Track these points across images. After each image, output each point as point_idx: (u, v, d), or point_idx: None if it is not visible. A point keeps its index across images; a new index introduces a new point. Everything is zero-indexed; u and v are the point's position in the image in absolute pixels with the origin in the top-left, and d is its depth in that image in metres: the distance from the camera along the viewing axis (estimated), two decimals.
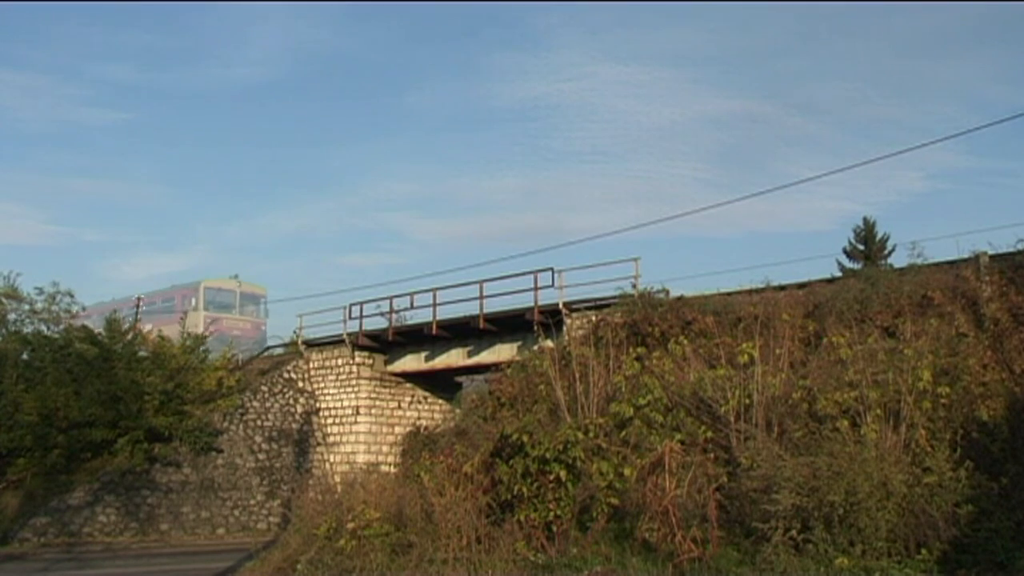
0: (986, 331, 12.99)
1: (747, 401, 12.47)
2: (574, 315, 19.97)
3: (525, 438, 11.84)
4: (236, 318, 35.76)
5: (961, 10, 78.15)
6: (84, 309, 30.63)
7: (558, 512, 11.65)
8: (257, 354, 30.00)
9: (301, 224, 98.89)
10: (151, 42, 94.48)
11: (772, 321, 14.01)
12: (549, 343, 17.70)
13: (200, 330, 29.39)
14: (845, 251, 31.31)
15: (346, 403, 26.46)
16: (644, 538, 11.14)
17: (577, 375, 14.91)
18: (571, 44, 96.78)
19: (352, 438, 26.02)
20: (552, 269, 21.68)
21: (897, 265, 16.85)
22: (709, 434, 12.61)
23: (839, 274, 20.02)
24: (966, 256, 14.45)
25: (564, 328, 19.63)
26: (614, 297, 18.82)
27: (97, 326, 27.10)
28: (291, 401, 26.86)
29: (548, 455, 11.66)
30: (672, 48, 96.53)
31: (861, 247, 30.78)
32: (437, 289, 24.64)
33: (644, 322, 16.32)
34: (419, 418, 26.87)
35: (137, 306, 35.15)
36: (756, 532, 10.58)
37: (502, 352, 22.52)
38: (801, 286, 16.57)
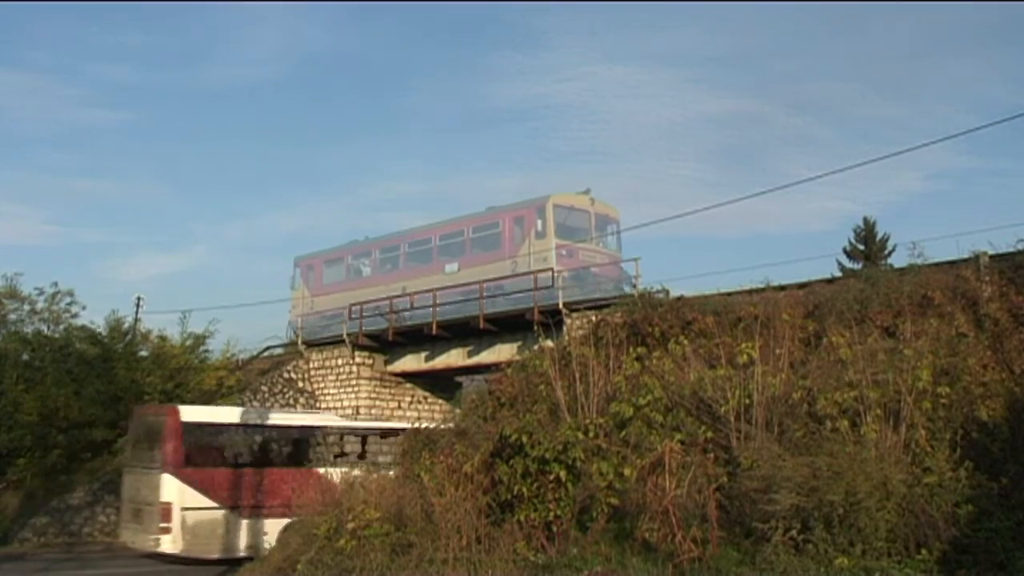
0: (986, 331, 12.99)
1: (747, 401, 12.46)
2: (574, 315, 19.99)
3: (525, 438, 11.84)
4: (594, 249, 25.34)
5: (961, 10, 78.24)
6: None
7: (558, 512, 11.65)
8: (257, 354, 29.98)
9: (301, 224, 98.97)
10: (151, 42, 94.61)
11: (772, 321, 14.01)
12: (549, 343, 17.71)
13: (551, 261, 23.67)
14: (845, 251, 31.35)
15: (346, 403, 26.47)
16: (644, 538, 11.13)
17: (577, 375, 14.91)
18: (571, 44, 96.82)
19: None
20: (552, 269, 21.73)
21: (897, 265, 16.87)
22: (709, 434, 12.61)
23: (839, 274, 20.06)
24: (966, 256, 14.45)
25: (564, 328, 19.65)
26: (614, 297, 18.83)
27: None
28: (291, 401, 26.89)
29: (548, 455, 11.66)
30: (672, 48, 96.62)
31: (861, 247, 30.81)
32: (437, 289, 24.67)
33: (644, 322, 16.31)
34: (419, 418, 26.85)
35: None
36: (756, 532, 10.58)
37: (502, 352, 22.55)
38: (801, 286, 16.57)
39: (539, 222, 24.83)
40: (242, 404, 25.61)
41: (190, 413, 17.56)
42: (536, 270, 23.22)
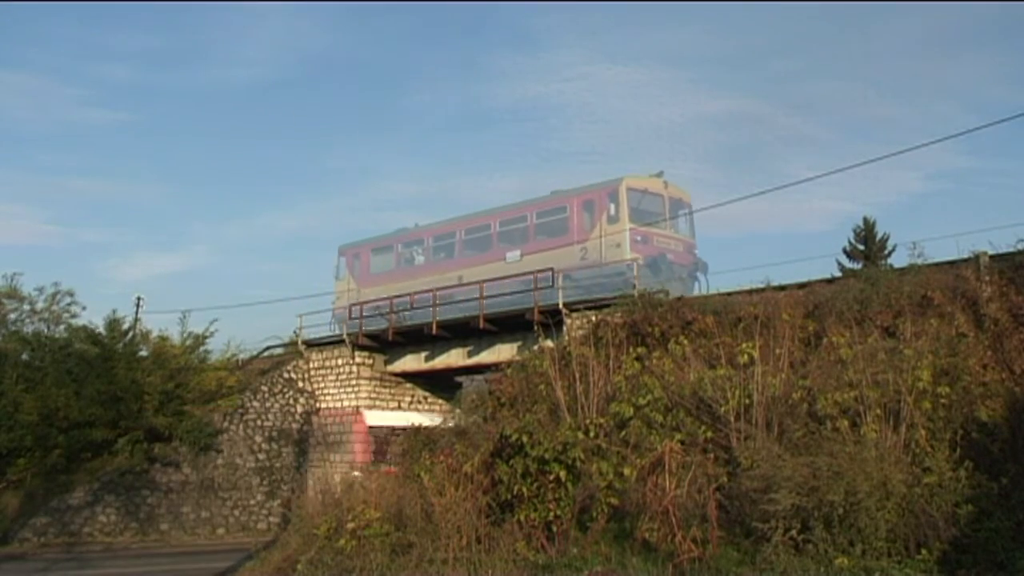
0: (986, 331, 12.99)
1: (747, 401, 12.47)
2: (574, 315, 19.98)
3: (525, 438, 11.85)
4: (668, 235, 23.68)
5: (961, 10, 78.19)
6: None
7: (558, 512, 11.66)
8: (257, 354, 29.96)
9: (301, 224, 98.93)
10: (151, 42, 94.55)
11: (772, 321, 14.01)
12: (549, 343, 17.71)
13: (625, 248, 22.30)
14: (845, 251, 31.33)
15: (346, 403, 26.46)
16: (644, 538, 11.14)
17: (577, 375, 14.92)
18: (570, 44, 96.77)
19: (352, 438, 26.02)
20: (552, 269, 21.71)
21: (897, 265, 16.83)
22: (709, 434, 12.62)
23: (839, 274, 19.99)
24: (966, 256, 14.43)
25: (564, 328, 19.64)
26: (614, 297, 18.83)
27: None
28: (291, 401, 26.87)
29: (548, 455, 11.67)
30: (671, 48, 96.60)
31: (861, 247, 30.79)
32: (437, 290, 24.66)
33: (644, 322, 16.31)
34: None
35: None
36: (756, 532, 10.58)
37: (502, 352, 22.52)
38: (801, 286, 16.57)
39: (612, 206, 23.19)
40: (242, 404, 25.65)
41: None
42: (610, 259, 22.23)
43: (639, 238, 22.59)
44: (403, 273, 28.65)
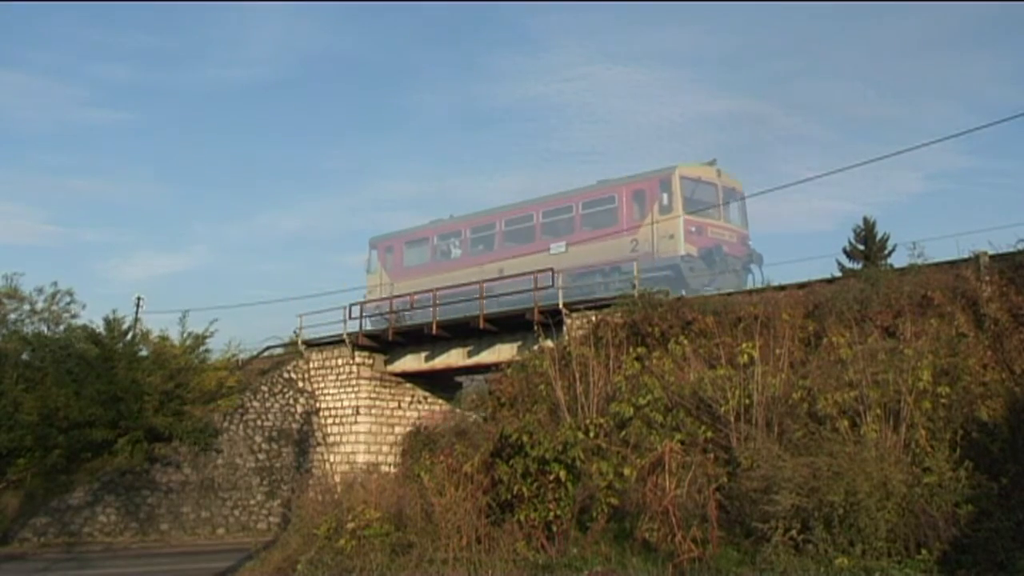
0: (986, 331, 12.99)
1: (747, 401, 12.48)
2: (574, 315, 19.97)
3: (525, 438, 11.86)
4: (722, 225, 22.81)
5: (961, 10, 78.18)
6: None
7: (558, 512, 11.66)
8: (257, 354, 29.94)
9: (301, 224, 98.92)
10: (151, 42, 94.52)
11: (772, 321, 14.02)
12: (549, 343, 17.71)
13: (679, 239, 21.58)
14: (845, 251, 31.26)
15: (346, 403, 26.45)
16: (644, 538, 11.15)
17: (577, 375, 14.93)
18: (570, 44, 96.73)
19: (352, 438, 26.02)
20: (552, 269, 21.71)
21: (897, 265, 16.84)
22: (709, 434, 12.63)
23: (839, 274, 19.94)
24: (966, 256, 14.44)
25: (564, 328, 19.64)
26: (614, 297, 18.82)
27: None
28: (291, 401, 26.86)
29: (548, 455, 11.67)
30: (672, 48, 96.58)
31: (861, 247, 30.73)
32: (437, 290, 24.66)
33: (644, 322, 16.32)
34: (419, 418, 26.86)
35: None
36: (756, 532, 10.59)
37: (502, 352, 22.51)
38: (801, 286, 16.57)
39: (664, 196, 22.34)
40: (242, 404, 25.64)
41: None
42: (663, 251, 21.54)
43: (693, 229, 21.87)
44: (439, 266, 27.78)
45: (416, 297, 25.16)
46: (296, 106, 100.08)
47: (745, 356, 13.00)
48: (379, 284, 29.46)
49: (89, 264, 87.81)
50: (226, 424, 25.09)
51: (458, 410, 23.65)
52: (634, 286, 19.01)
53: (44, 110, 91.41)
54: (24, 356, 24.84)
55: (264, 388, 26.58)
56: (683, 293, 19.63)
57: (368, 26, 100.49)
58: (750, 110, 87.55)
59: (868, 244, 28.71)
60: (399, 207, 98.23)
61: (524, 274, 22.45)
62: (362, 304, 27.15)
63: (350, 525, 12.29)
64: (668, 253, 21.88)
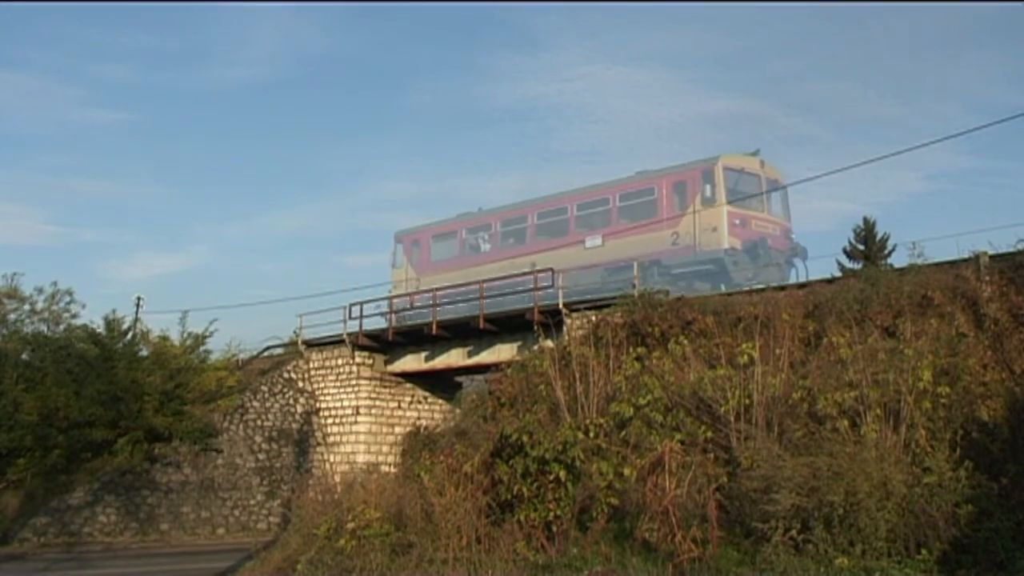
0: (986, 331, 13.00)
1: (747, 401, 12.48)
2: (574, 315, 19.97)
3: (525, 438, 11.86)
4: (765, 218, 22.00)
5: (961, 10, 78.18)
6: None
7: (558, 512, 11.66)
8: (257, 354, 29.95)
9: (301, 224, 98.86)
10: (151, 42, 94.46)
11: (772, 321, 14.02)
12: (549, 343, 17.70)
13: (722, 232, 21.04)
14: (845, 251, 31.28)
15: (346, 403, 26.45)
16: (644, 538, 11.15)
17: (577, 375, 14.93)
18: (570, 45, 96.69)
19: (352, 438, 26.02)
20: (552, 269, 21.70)
21: (897, 265, 16.84)
22: (709, 434, 12.63)
23: (839, 274, 19.94)
24: (966, 256, 14.45)
25: (564, 328, 19.63)
26: (614, 297, 18.82)
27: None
28: (291, 401, 26.86)
29: (548, 455, 11.67)
30: (671, 48, 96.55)
31: (861, 247, 30.73)
32: (437, 289, 24.64)
33: (644, 322, 16.32)
34: (419, 418, 26.87)
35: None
36: (756, 532, 10.59)
37: (502, 352, 22.51)
38: (801, 286, 16.59)
39: (707, 187, 21.67)
40: (242, 404, 25.64)
41: None
42: (706, 244, 20.90)
43: (737, 221, 21.24)
44: (468, 260, 27.13)
45: (446, 291, 24.27)
46: (296, 106, 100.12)
47: (745, 356, 13.00)
48: (405, 279, 28.81)
49: (89, 264, 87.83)
50: (226, 424, 25.09)
51: (458, 410, 23.63)
52: (634, 286, 19.00)
53: (44, 110, 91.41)
54: (24, 356, 24.85)
55: (264, 388, 26.58)
56: (722, 288, 19.22)
57: (368, 27, 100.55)
58: (750, 110, 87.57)
59: (868, 244, 28.67)
60: (399, 207, 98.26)
61: (483, 281, 22.17)
62: (389, 299, 26.43)
63: (350, 525, 12.29)
64: (711, 246, 21.33)
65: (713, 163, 21.97)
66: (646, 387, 13.69)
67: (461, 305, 24.17)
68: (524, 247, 25.80)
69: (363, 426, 26.05)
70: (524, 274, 22.58)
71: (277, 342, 29.84)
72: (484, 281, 23.21)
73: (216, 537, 22.99)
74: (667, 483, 11.31)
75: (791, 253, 22.35)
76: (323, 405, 27.08)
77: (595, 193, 24.54)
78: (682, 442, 12.28)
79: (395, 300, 26.02)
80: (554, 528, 11.71)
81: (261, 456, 25.28)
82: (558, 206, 25.36)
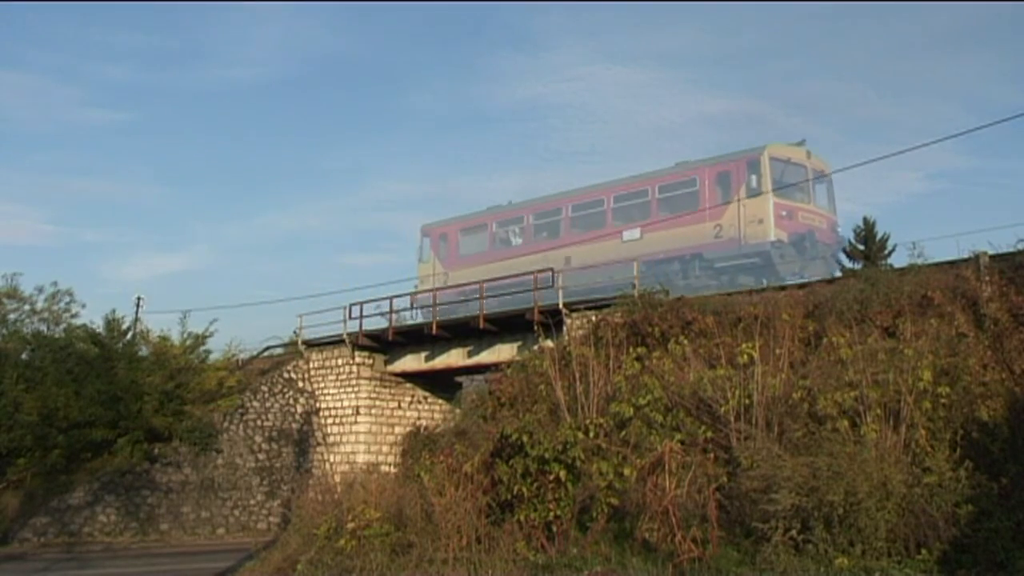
0: (986, 331, 13.00)
1: (747, 401, 12.48)
2: (574, 315, 19.97)
3: (525, 438, 11.86)
4: (812, 210, 21.42)
5: (961, 10, 78.17)
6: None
7: (558, 512, 11.66)
8: (257, 354, 29.96)
9: (301, 224, 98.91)
10: (151, 42, 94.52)
11: (772, 321, 14.02)
12: (549, 343, 17.70)
13: (769, 224, 20.48)
14: (845, 251, 31.32)
15: (346, 403, 26.46)
16: (644, 538, 11.14)
17: (577, 375, 14.92)
18: (570, 45, 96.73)
19: (352, 438, 26.04)
20: (552, 269, 21.69)
21: (897, 265, 16.85)
22: (709, 434, 12.62)
23: (839, 274, 19.94)
24: (966, 256, 14.45)
25: (564, 328, 19.63)
26: (614, 297, 18.82)
27: None
28: (291, 401, 26.87)
29: (548, 455, 11.67)
30: (671, 48, 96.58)
31: (861, 247, 30.77)
32: (437, 289, 24.62)
33: (644, 322, 16.32)
34: (419, 418, 26.88)
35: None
36: (756, 532, 10.59)
37: (502, 352, 22.51)
38: (801, 286, 16.59)
39: (752, 177, 21.05)
40: (242, 404, 25.65)
41: None
42: (751, 237, 20.42)
43: (784, 213, 20.66)
44: (498, 254, 26.56)
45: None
46: (296, 106, 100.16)
47: (745, 356, 13.00)
48: (432, 274, 28.22)
49: (89, 264, 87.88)
50: (226, 424, 25.11)
51: (458, 410, 23.61)
52: (634, 286, 18.99)
53: (44, 110, 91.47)
54: (24, 356, 24.86)
55: (264, 388, 26.59)
56: (764, 283, 18.87)
57: (368, 27, 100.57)
58: (750, 110, 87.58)
59: (868, 244, 28.71)
60: (399, 207, 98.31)
61: (483, 281, 21.82)
62: (413, 295, 25.92)
63: (350, 525, 12.29)
64: (756, 239, 20.85)
65: (759, 153, 21.38)
66: (646, 387, 13.68)
67: (491, 300, 23.42)
68: (558, 240, 25.18)
69: (363, 426, 26.06)
70: (522, 274, 22.49)
71: (277, 342, 29.90)
72: (484, 281, 23.13)
73: (216, 537, 23.00)
74: (667, 483, 11.30)
75: (837, 247, 21.83)
76: (323, 405, 27.09)
77: (633, 184, 23.98)
78: (682, 442, 12.27)
79: (395, 300, 25.98)
80: (554, 528, 11.71)
81: (261, 456, 25.28)
82: (594, 198, 24.82)
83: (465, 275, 26.03)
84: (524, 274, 22.33)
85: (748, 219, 20.85)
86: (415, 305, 25.90)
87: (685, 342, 14.99)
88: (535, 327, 19.85)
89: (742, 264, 20.82)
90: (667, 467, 11.47)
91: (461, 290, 24.63)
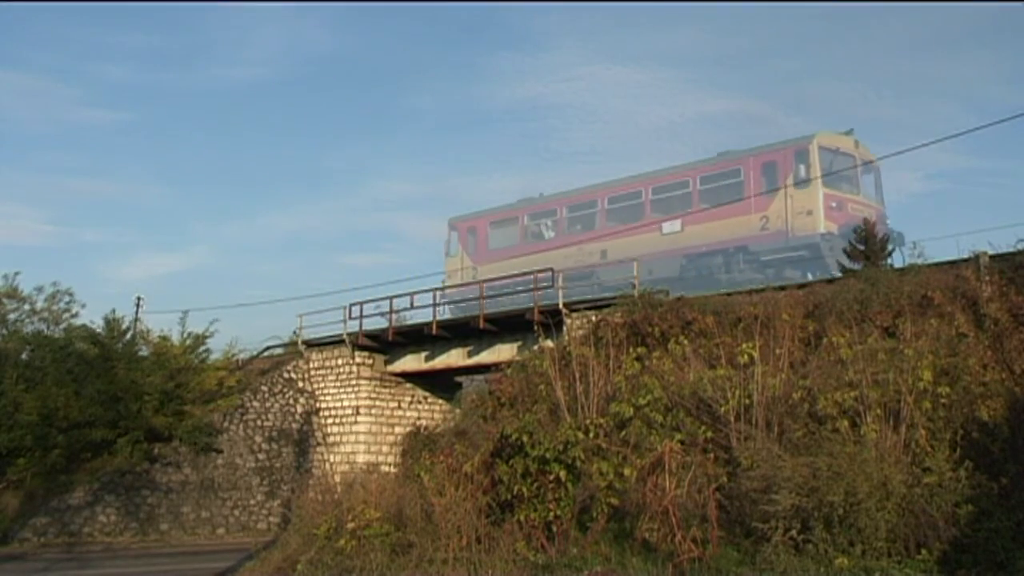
0: (986, 331, 13.00)
1: (747, 401, 12.48)
2: (574, 315, 19.97)
3: (525, 438, 11.86)
4: (861, 201, 20.85)
5: (961, 10, 78.19)
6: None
7: (558, 512, 11.66)
8: (257, 354, 29.95)
9: (301, 224, 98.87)
10: (151, 42, 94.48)
11: (772, 321, 14.03)
12: (549, 343, 17.70)
13: (818, 215, 19.97)
14: (845, 251, 31.29)
15: (346, 403, 26.45)
16: (644, 538, 11.15)
17: (577, 375, 14.92)
18: (570, 45, 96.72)
19: (352, 438, 26.03)
20: (552, 269, 21.68)
21: (897, 265, 16.85)
22: (709, 434, 12.62)
23: (839, 274, 19.94)
24: (966, 256, 14.46)
25: (564, 328, 19.63)
26: (614, 297, 18.81)
27: None
28: (291, 401, 26.86)
29: (548, 455, 11.68)
30: (671, 48, 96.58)
31: (861, 247, 30.73)
32: (437, 289, 24.61)
33: (644, 322, 16.33)
34: (419, 418, 26.88)
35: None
36: (756, 532, 10.59)
37: (502, 352, 22.50)
38: (801, 286, 16.59)
39: (801, 167, 20.47)
40: (242, 404, 25.65)
41: None
42: (799, 229, 19.84)
43: (834, 204, 20.17)
44: (530, 247, 25.86)
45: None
46: (296, 106, 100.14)
47: (745, 356, 13.00)
48: (460, 268, 27.59)
49: (89, 264, 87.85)
50: (226, 424, 25.10)
51: (458, 410, 23.59)
52: (634, 286, 18.99)
53: (44, 110, 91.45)
54: (24, 356, 24.85)
55: (264, 388, 26.58)
56: (810, 276, 18.45)
57: (369, 27, 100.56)
58: (750, 110, 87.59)
59: (868, 244, 28.69)
60: (399, 207, 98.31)
61: (483, 281, 21.54)
62: (441, 290, 25.53)
63: (350, 525, 12.29)
64: (805, 231, 20.33)
65: (808, 142, 20.88)
66: (646, 387, 13.68)
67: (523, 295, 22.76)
68: (593, 232, 24.52)
69: (363, 426, 26.05)
70: (522, 274, 22.46)
71: (277, 342, 29.87)
72: (484, 281, 23.13)
73: (216, 537, 23.00)
74: (667, 483, 11.31)
75: (885, 239, 21.36)
76: (323, 405, 27.08)
77: (673, 175, 23.33)
78: (682, 442, 12.27)
79: (395, 300, 25.95)
80: (554, 528, 11.71)
81: (261, 456, 25.28)
82: (632, 189, 24.15)
83: (494, 269, 25.40)
84: (524, 274, 21.99)
85: (796, 210, 20.36)
86: (442, 300, 25.05)
87: (685, 342, 15.00)
88: (535, 327, 19.85)
89: (789, 257, 20.32)
90: (667, 467, 11.48)
91: (490, 285, 23.91)
